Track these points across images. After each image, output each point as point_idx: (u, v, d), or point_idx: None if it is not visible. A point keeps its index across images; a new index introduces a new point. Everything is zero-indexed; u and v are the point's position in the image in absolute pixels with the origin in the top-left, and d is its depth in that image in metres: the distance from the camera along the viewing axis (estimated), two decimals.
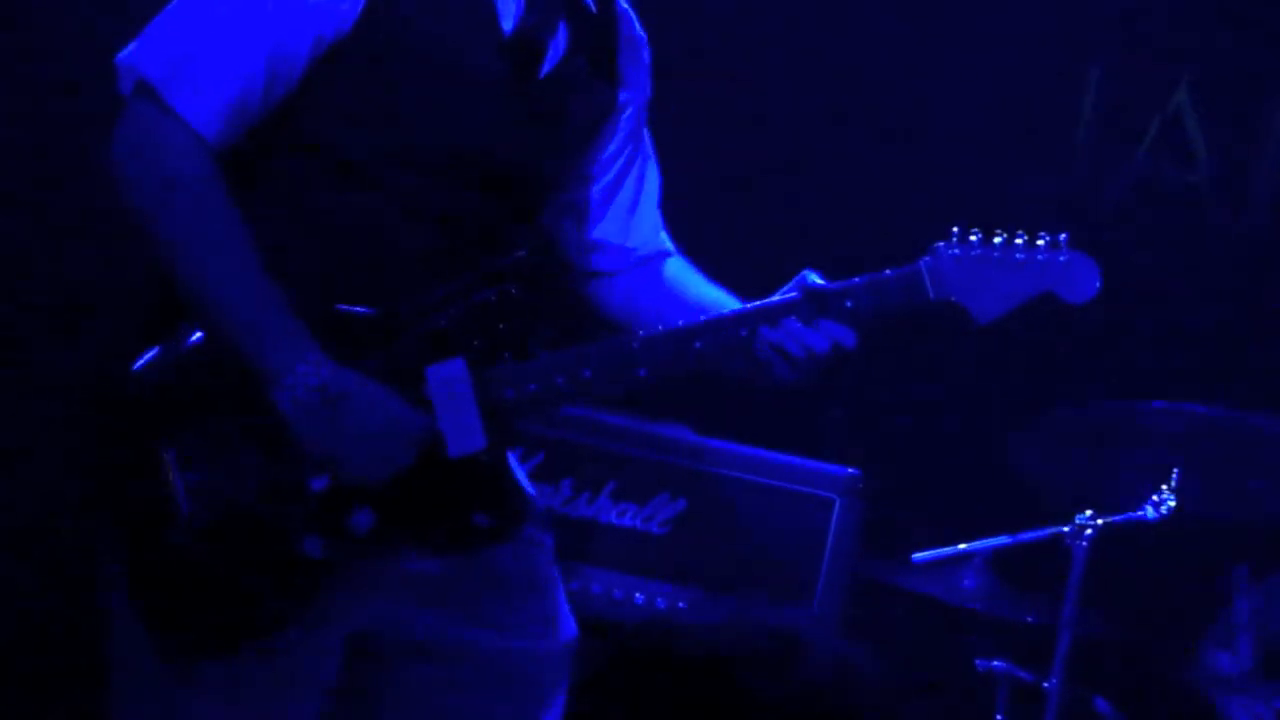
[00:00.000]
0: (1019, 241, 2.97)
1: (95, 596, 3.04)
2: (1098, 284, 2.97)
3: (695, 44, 5.00)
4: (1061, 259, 2.96)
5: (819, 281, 2.99)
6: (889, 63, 5.31)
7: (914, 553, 4.48)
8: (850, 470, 4.36)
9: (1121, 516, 4.38)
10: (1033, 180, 5.35)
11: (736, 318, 3.00)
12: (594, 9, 3.11)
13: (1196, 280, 5.32)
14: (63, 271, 4.59)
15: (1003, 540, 4.48)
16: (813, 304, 2.95)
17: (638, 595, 4.34)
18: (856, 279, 2.99)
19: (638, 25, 3.22)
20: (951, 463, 5.16)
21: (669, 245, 3.31)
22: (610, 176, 3.24)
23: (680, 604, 4.29)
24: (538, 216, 3.17)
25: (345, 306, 2.92)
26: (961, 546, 4.49)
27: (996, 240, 2.97)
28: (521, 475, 3.14)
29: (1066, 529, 4.37)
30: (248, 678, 2.95)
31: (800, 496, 4.34)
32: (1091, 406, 4.59)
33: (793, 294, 2.99)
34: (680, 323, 3.01)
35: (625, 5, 3.20)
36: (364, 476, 2.88)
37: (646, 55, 3.23)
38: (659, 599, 4.33)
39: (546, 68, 3.04)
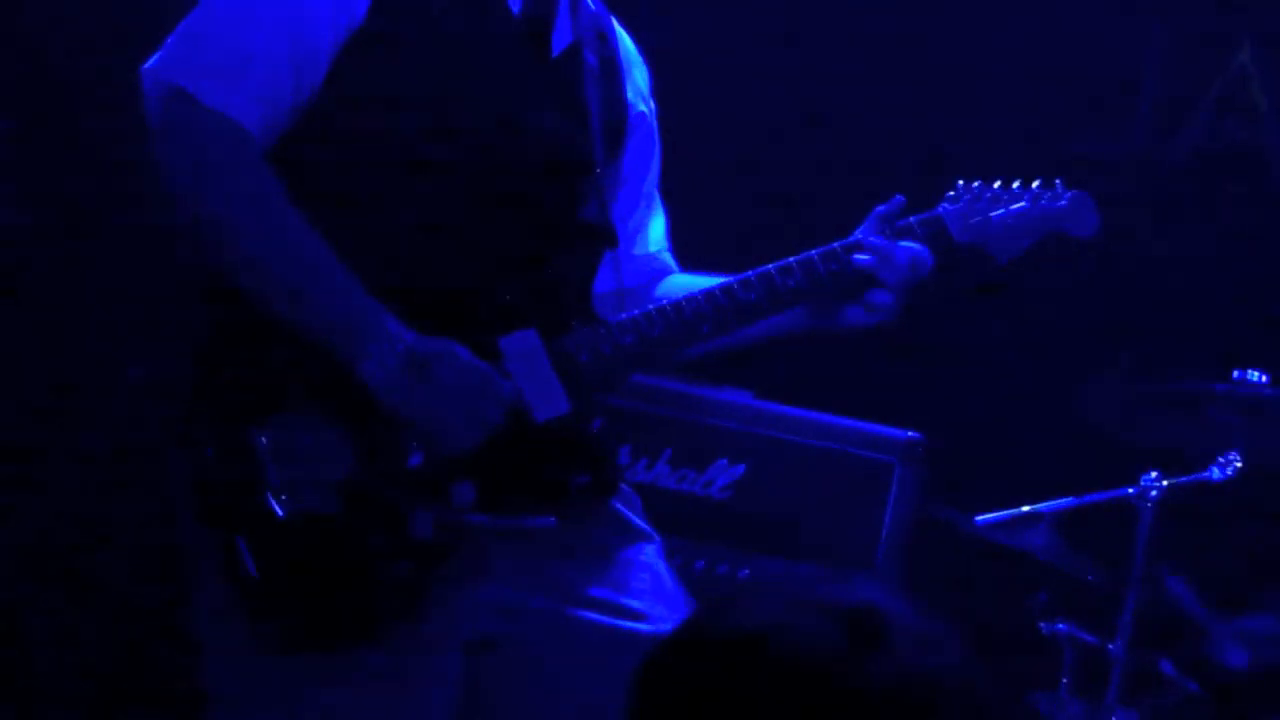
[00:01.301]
0: (1016, 187, 3.13)
1: (190, 596, 3.02)
2: (1097, 219, 3.12)
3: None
4: (1064, 198, 3.13)
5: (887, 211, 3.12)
6: (948, 23, 5.27)
7: (978, 513, 4.44)
8: (910, 433, 4.33)
9: (1188, 478, 4.34)
10: (1095, 142, 5.30)
11: (782, 268, 3.04)
12: (591, 6, 3.15)
13: (1260, 242, 5.26)
14: (145, 262, 4.60)
15: (1068, 501, 4.44)
16: (887, 224, 3.07)
17: (698, 561, 4.32)
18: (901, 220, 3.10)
19: (633, 46, 3.27)
20: (1017, 423, 5.12)
21: (673, 264, 3.34)
22: (630, 186, 3.26)
23: (742, 570, 4.26)
24: (582, 199, 3.16)
25: (407, 293, 2.91)
26: (1026, 508, 4.45)
27: (998, 185, 3.13)
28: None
29: (1132, 490, 4.33)
30: (375, 667, 2.91)
31: (860, 460, 4.32)
32: (1157, 374, 4.55)
33: (828, 246, 3.09)
34: (734, 278, 3.04)
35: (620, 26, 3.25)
36: (459, 439, 2.87)
37: (648, 73, 3.28)
38: (720, 565, 4.31)
39: (557, 49, 3.07)
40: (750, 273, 3.05)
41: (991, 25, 5.30)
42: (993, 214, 3.09)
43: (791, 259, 3.05)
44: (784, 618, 1.63)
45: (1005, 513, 4.44)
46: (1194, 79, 5.40)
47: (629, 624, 3.05)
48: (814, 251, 3.06)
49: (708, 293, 3.03)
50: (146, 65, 2.91)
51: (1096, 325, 5.17)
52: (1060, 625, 4.49)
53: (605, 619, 3.04)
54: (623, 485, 3.18)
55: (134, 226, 4.54)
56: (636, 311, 3.02)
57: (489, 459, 2.90)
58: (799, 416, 4.38)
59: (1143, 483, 4.32)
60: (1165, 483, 4.32)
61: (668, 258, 3.32)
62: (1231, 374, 4.41)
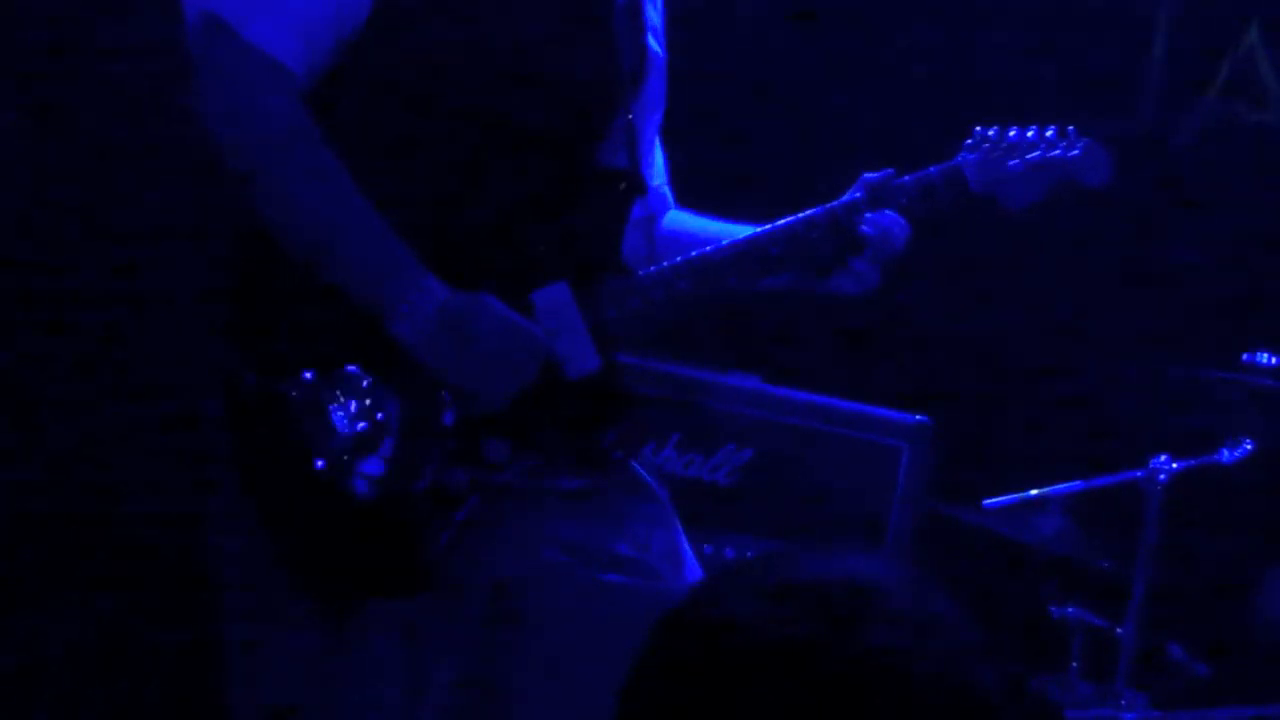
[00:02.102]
0: (1030, 134, 3.11)
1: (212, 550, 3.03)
2: (1110, 169, 3.12)
3: None
4: (1079, 146, 3.11)
5: (875, 175, 3.10)
6: (955, 3, 5.25)
7: (985, 498, 4.43)
8: (918, 417, 4.32)
9: (1197, 460, 4.33)
10: (1102, 123, 5.27)
11: (808, 220, 3.05)
12: None
13: (1269, 223, 5.24)
14: (171, 220, 4.59)
15: (1077, 485, 4.43)
16: (874, 197, 3.05)
17: (706, 546, 4.31)
18: (905, 177, 3.09)
19: None
20: (1026, 407, 5.11)
21: (670, 200, 3.33)
22: (644, 123, 3.23)
23: (749, 555, 4.26)
24: (613, 145, 3.14)
25: (440, 241, 2.90)
26: (1034, 492, 4.44)
27: (1011, 134, 3.10)
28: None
29: (1141, 473, 4.32)
30: (403, 623, 2.93)
31: (868, 445, 4.31)
32: (1166, 356, 4.54)
33: (854, 193, 3.08)
34: (760, 231, 3.05)
35: None
36: (493, 394, 2.87)
37: (662, 12, 3.25)
38: (727, 549, 4.30)
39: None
40: (775, 226, 3.05)
41: (996, 5, 5.28)
42: (1009, 163, 3.09)
43: (814, 212, 3.06)
44: (760, 602, 1.62)
45: (1014, 496, 4.43)
46: (1201, 59, 5.38)
47: (652, 583, 3.04)
48: (835, 205, 3.06)
49: (732, 246, 3.03)
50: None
51: (1105, 308, 5.15)
52: (1070, 609, 4.49)
53: (629, 579, 3.03)
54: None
55: (150, 200, 4.55)
56: (665, 264, 3.02)
57: (521, 415, 2.90)
58: (807, 401, 4.37)
59: (1152, 466, 4.31)
60: (1175, 466, 4.30)
61: (667, 191, 3.31)
62: (1241, 356, 4.40)
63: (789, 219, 3.06)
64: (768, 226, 3.06)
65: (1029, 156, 3.08)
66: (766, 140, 5.15)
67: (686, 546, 3.16)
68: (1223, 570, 4.80)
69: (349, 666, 2.93)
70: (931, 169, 3.09)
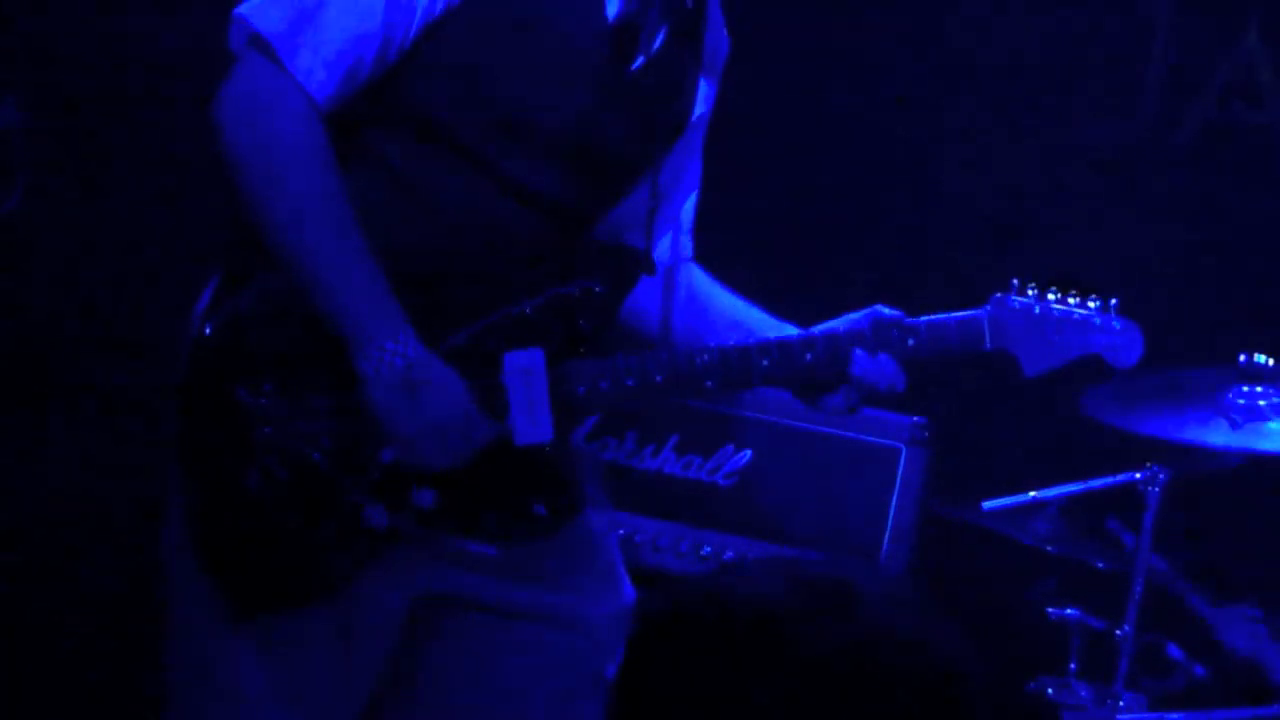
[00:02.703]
0: (1072, 301, 3.06)
1: (155, 548, 3.05)
2: (1141, 353, 3.07)
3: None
4: (1116, 327, 3.07)
5: (888, 311, 3.07)
6: (953, 6, 5.25)
7: (984, 500, 4.43)
8: (915, 418, 4.32)
9: (1195, 463, 4.33)
10: (1101, 125, 5.28)
11: (803, 343, 3.04)
12: (690, 4, 3.11)
13: (1268, 225, 5.24)
14: (142, 219, 4.60)
15: (1074, 487, 4.43)
16: (878, 337, 3.02)
17: (705, 548, 4.33)
18: (920, 319, 3.06)
19: (722, 26, 3.23)
20: (1022, 410, 5.11)
21: (689, 251, 3.33)
22: (670, 183, 3.25)
23: (748, 556, 4.26)
24: (618, 206, 3.17)
25: (433, 280, 2.94)
26: (1032, 494, 4.44)
27: (1051, 298, 3.05)
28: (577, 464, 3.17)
29: (1139, 475, 4.32)
30: (308, 634, 2.98)
31: (865, 446, 4.32)
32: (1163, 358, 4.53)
33: (860, 324, 3.05)
34: (750, 341, 3.05)
35: (716, 3, 3.21)
36: (427, 462, 2.91)
37: (723, 59, 3.23)
38: (726, 551, 4.32)
39: (639, 61, 3.04)
40: (768, 340, 3.05)
41: (996, 7, 5.28)
42: (1035, 327, 3.06)
43: (815, 333, 3.05)
44: (752, 586, 1.64)
45: (1012, 499, 4.43)
46: (1201, 61, 5.38)
47: (577, 604, 3.13)
48: (839, 332, 3.04)
49: (721, 350, 3.03)
50: (240, 9, 2.90)
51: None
52: (1068, 610, 4.49)
53: (554, 599, 3.11)
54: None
55: (133, 205, 4.56)
56: (647, 354, 3.03)
57: (457, 472, 2.94)
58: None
59: (1150, 468, 4.31)
60: (1172, 468, 4.30)
61: (687, 241, 3.32)
62: (1238, 358, 4.39)
63: (784, 336, 3.05)
64: (761, 339, 3.04)
65: (1059, 324, 3.04)
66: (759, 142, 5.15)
67: (620, 573, 3.21)
68: (1220, 573, 4.80)
69: (279, 667, 2.97)
70: (950, 317, 3.06)
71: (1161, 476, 4.28)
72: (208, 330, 2.92)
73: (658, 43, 3.06)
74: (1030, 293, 3.05)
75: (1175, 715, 4.30)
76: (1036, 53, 5.28)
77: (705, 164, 3.31)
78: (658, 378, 3.00)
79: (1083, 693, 4.41)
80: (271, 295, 2.91)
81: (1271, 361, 4.37)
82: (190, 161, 4.49)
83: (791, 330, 3.09)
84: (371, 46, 2.87)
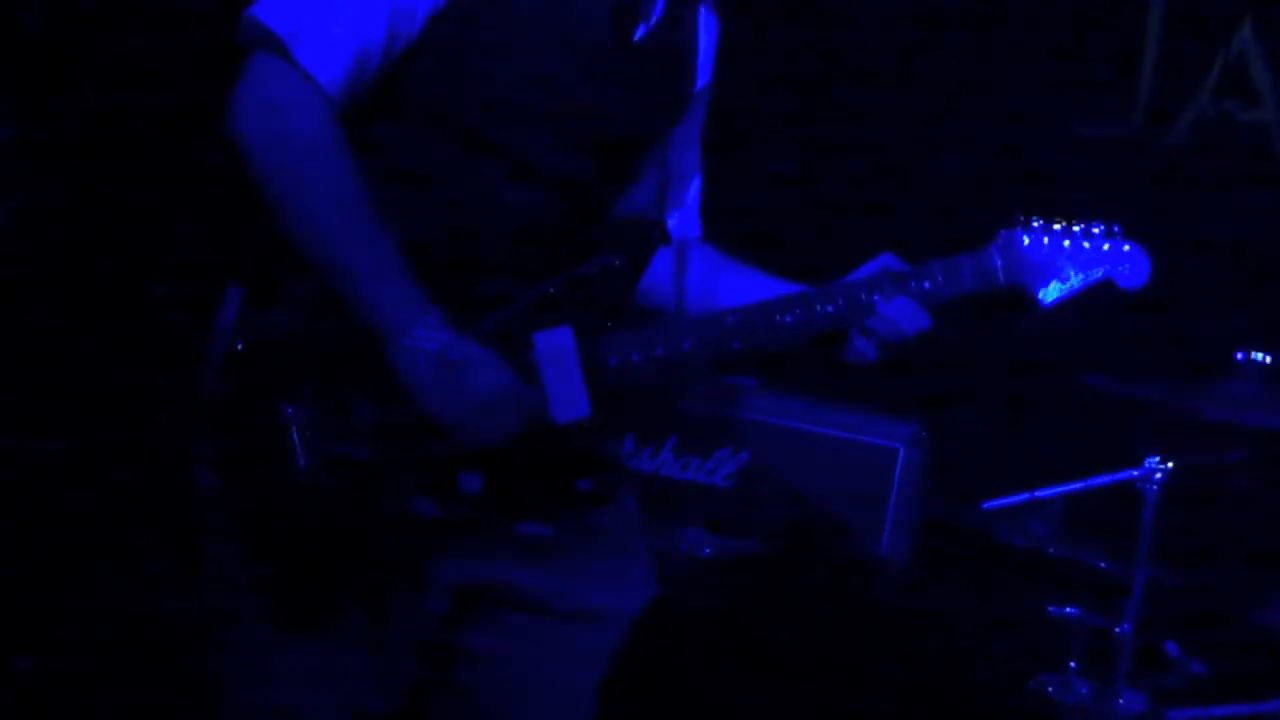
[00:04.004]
0: (1077, 229, 3.08)
1: (197, 555, 3.06)
2: (1149, 273, 3.08)
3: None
4: (1124, 248, 3.08)
5: (897, 262, 3.08)
6: (947, 6, 5.27)
7: (984, 500, 4.44)
8: (914, 420, 4.34)
9: (1193, 459, 4.34)
10: (1096, 123, 5.29)
11: (823, 294, 3.05)
12: None
13: (1263, 222, 5.25)
14: (178, 230, 4.60)
15: (1073, 486, 4.44)
16: (894, 282, 3.03)
17: (705, 549, 4.33)
18: (933, 261, 3.06)
19: (713, 5, 3.23)
20: (1021, 410, 5.12)
21: (698, 226, 3.35)
22: (676, 158, 3.26)
23: (745, 554, 4.27)
24: (631, 185, 3.19)
25: (457, 269, 2.94)
26: (1032, 493, 4.46)
27: (1057, 228, 3.07)
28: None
29: (1138, 473, 4.33)
30: (358, 632, 2.97)
31: (863, 446, 4.33)
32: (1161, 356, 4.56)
33: (875, 272, 3.07)
34: (771, 299, 3.06)
35: None
36: (475, 441, 2.91)
37: (715, 37, 3.24)
38: (726, 552, 4.31)
39: (641, 31, 3.06)
40: (788, 295, 3.06)
41: (990, 8, 5.29)
42: (1046, 257, 3.07)
43: (832, 286, 3.05)
44: (747, 586, 1.65)
45: (1012, 498, 4.44)
46: (1194, 60, 5.39)
47: (608, 600, 3.13)
48: (856, 281, 3.05)
49: (744, 310, 3.04)
50: (250, 9, 2.89)
51: (1098, 309, 5.16)
52: (1068, 609, 4.50)
53: (590, 594, 3.10)
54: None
55: (143, 222, 4.57)
56: (672, 322, 3.06)
57: (500, 454, 2.94)
58: (802, 404, 4.39)
59: (1147, 465, 4.32)
60: (1169, 465, 4.31)
61: (695, 219, 3.32)
62: (1234, 356, 4.41)
63: (803, 289, 3.06)
64: (780, 295, 3.06)
65: (1068, 252, 3.07)
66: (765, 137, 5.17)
67: (645, 570, 3.21)
68: (1220, 569, 4.81)
69: (318, 650, 2.97)
70: (962, 257, 3.07)
71: (1158, 476, 4.29)
72: (240, 346, 2.93)
73: (657, 13, 3.07)
74: (1035, 225, 3.07)
75: (1175, 712, 4.32)
76: (1032, 52, 5.30)
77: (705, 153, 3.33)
78: (685, 344, 3.02)
79: (1083, 690, 4.43)
80: (301, 303, 2.92)
81: (1269, 359, 4.39)
82: (193, 176, 4.51)
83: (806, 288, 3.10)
84: (377, 41, 2.88)
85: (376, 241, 2.87)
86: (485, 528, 2.99)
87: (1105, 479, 4.39)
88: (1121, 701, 4.30)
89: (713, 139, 3.32)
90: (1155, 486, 4.30)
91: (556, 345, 2.94)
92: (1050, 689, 4.45)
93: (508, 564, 3.06)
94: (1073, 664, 4.49)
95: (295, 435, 2.90)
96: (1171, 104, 5.39)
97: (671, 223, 3.26)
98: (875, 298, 3.03)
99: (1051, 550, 4.47)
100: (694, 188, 3.32)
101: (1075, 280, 3.07)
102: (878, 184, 5.15)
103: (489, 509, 2.96)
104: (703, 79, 3.22)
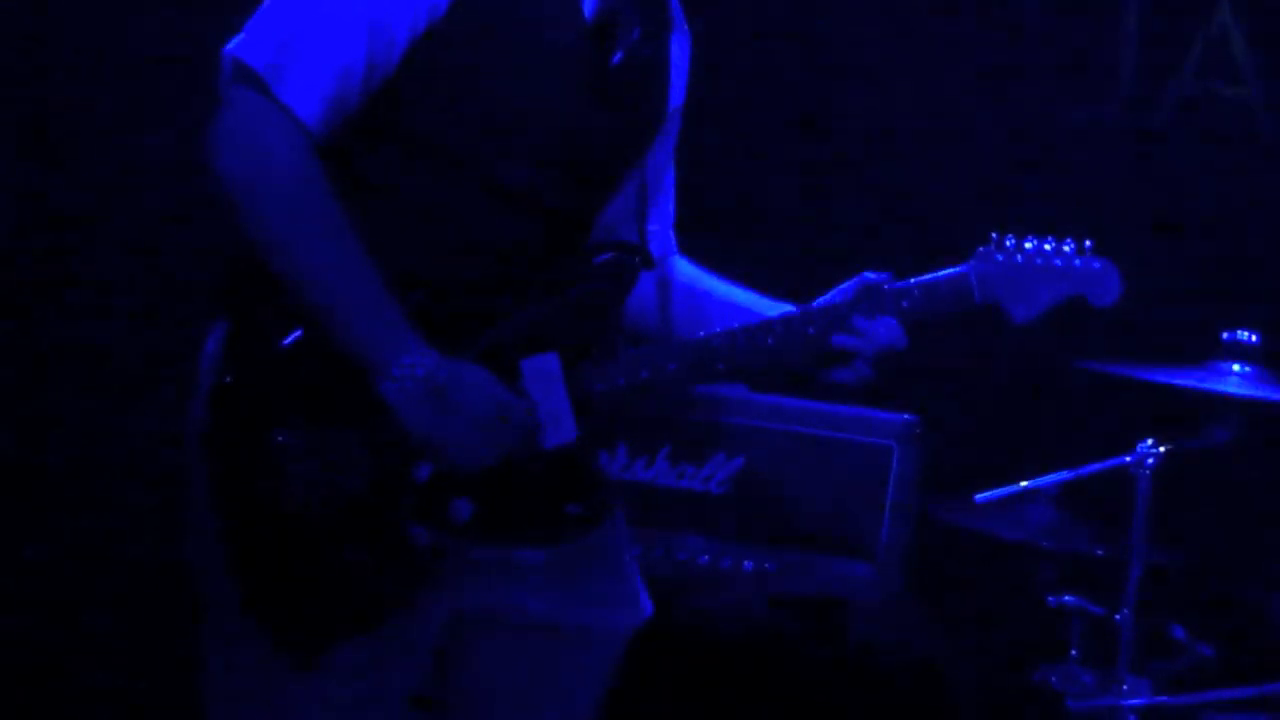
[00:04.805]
0: (1049, 248, 3.13)
1: (188, 595, 3.08)
2: (1119, 291, 3.15)
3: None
4: (1095, 266, 3.14)
5: (876, 277, 3.13)
6: None
7: (977, 493, 4.44)
8: (906, 416, 4.34)
9: (1184, 442, 4.34)
10: (1078, 105, 5.29)
11: (804, 316, 3.10)
12: None
13: (1250, 199, 5.24)
14: (162, 262, 4.62)
15: (1065, 475, 4.44)
16: (873, 302, 3.09)
17: (702, 556, 4.34)
18: (910, 280, 3.12)
19: (684, 20, 3.27)
20: (1010, 400, 5.12)
21: (674, 245, 3.38)
22: (656, 177, 3.29)
23: (745, 563, 4.27)
24: (611, 207, 3.21)
25: (442, 297, 2.97)
26: (1024, 484, 4.45)
27: (1029, 246, 3.13)
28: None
29: (1129, 458, 4.32)
30: (357, 663, 2.99)
31: (857, 446, 4.33)
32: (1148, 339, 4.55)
33: (853, 292, 3.12)
34: (753, 321, 3.11)
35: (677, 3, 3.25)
36: (471, 462, 2.94)
37: (688, 52, 3.26)
38: (724, 559, 4.32)
39: (619, 56, 3.08)
40: (771, 317, 3.11)
41: None
42: (1019, 276, 3.12)
43: (815, 307, 3.11)
44: (742, 607, 1.66)
45: (1004, 490, 4.43)
46: (1174, 39, 5.38)
47: (605, 617, 3.18)
48: (833, 300, 3.10)
49: (728, 332, 3.09)
50: (227, 47, 2.92)
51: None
52: (1067, 598, 4.50)
53: (585, 613, 3.15)
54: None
55: (133, 236, 4.58)
56: (656, 345, 3.10)
57: (489, 479, 2.97)
58: (793, 406, 4.40)
59: (1139, 450, 4.32)
60: (1162, 449, 4.31)
61: (670, 236, 3.36)
62: (1221, 335, 4.41)
63: (784, 312, 3.11)
64: (761, 319, 3.10)
65: (1040, 268, 3.11)
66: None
67: (636, 587, 3.25)
68: (1217, 550, 4.81)
69: (305, 691, 2.98)
70: (939, 276, 3.12)
71: (1150, 461, 4.28)
72: (228, 379, 2.95)
73: (634, 35, 3.10)
74: (1009, 244, 3.12)
75: (1180, 697, 4.31)
76: (1011, 36, 5.29)
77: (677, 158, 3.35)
78: (670, 366, 3.06)
79: (1086, 679, 4.42)
80: (287, 334, 2.94)
81: (1256, 338, 4.39)
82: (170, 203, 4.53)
83: (789, 309, 3.14)
84: (357, 72, 2.90)
85: (359, 276, 2.89)
86: (477, 555, 3.01)
87: (1098, 465, 4.39)
88: (1125, 688, 4.29)
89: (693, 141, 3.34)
90: (1148, 471, 4.29)
91: (543, 370, 2.99)
92: (1053, 679, 4.45)
93: (501, 589, 3.09)
94: (1074, 652, 4.49)
95: (288, 467, 2.91)
96: (1154, 85, 5.38)
97: (651, 243, 3.28)
98: (857, 318, 3.07)
99: (1047, 540, 4.47)
100: (669, 205, 3.35)
101: (1047, 299, 3.13)
102: (852, 165, 5.16)
103: (481, 536, 2.99)
104: (676, 98, 3.25)
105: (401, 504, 2.95)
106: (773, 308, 3.16)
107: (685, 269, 3.33)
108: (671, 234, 3.36)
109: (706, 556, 4.33)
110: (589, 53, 3.04)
